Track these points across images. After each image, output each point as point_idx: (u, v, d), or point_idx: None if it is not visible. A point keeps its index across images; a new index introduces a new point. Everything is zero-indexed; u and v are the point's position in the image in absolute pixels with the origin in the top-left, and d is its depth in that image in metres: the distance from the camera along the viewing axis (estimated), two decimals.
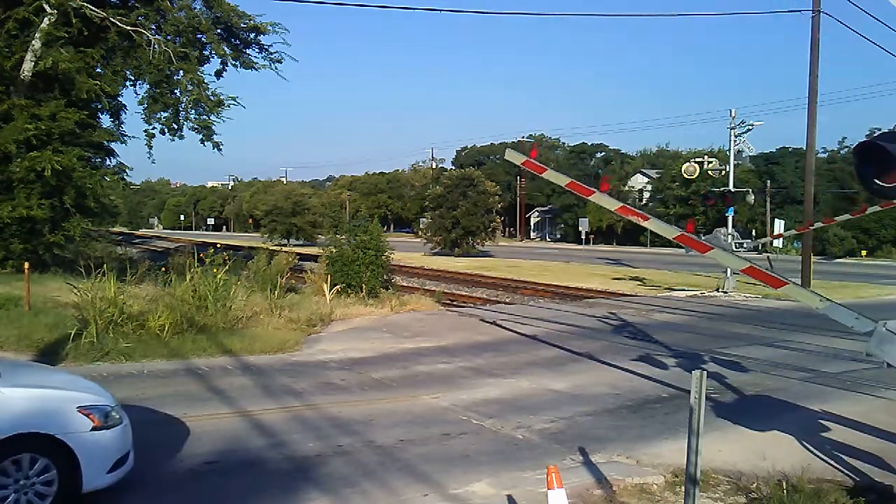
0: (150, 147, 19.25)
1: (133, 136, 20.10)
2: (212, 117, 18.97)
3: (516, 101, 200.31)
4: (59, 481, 4.87)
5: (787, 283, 5.61)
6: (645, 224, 6.46)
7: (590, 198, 6.61)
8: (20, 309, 11.85)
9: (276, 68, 19.73)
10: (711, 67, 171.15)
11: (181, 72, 18.37)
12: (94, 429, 5.00)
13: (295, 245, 50.23)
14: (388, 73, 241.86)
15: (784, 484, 5.65)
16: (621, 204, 6.61)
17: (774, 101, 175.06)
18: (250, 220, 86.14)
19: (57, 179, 16.26)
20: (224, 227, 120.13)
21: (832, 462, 6.55)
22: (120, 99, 20.03)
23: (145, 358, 10.01)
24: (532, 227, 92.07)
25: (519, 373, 10.30)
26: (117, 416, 5.25)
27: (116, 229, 46.92)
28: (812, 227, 22.61)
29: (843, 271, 31.73)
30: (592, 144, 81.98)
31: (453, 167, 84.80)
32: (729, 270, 22.01)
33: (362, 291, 17.66)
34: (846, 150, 65.12)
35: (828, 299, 5.44)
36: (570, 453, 6.72)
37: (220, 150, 19.84)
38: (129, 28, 17.35)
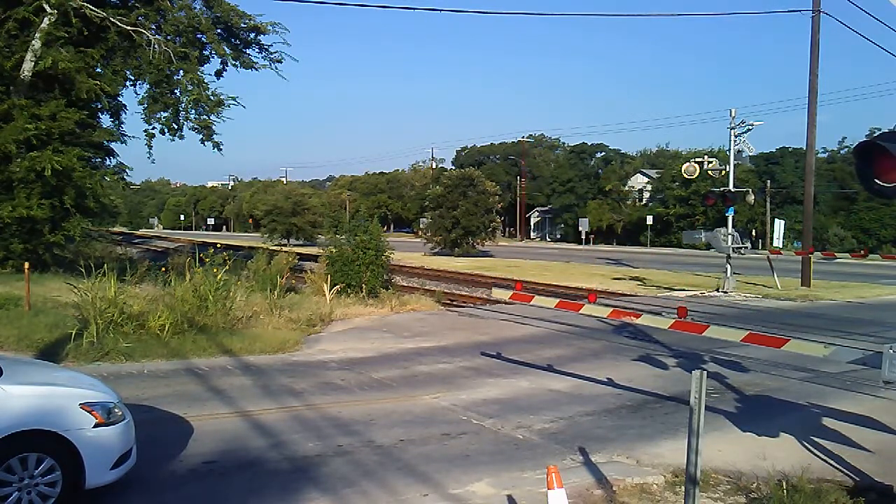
0: (150, 147, 19.29)
1: (133, 136, 20.14)
2: (212, 117, 19.01)
3: (516, 101, 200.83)
4: (63, 481, 4.87)
5: (789, 339, 5.96)
6: (637, 321, 7.11)
7: (580, 311, 7.04)
8: (20, 309, 11.85)
9: (276, 68, 19.78)
10: (711, 67, 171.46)
11: (181, 72, 18.39)
12: (97, 425, 5.01)
13: (295, 245, 50.22)
14: (389, 73, 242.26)
15: (784, 484, 5.65)
16: (612, 309, 7.03)
17: (774, 101, 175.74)
18: (250, 220, 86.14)
19: (57, 179, 16.26)
20: (224, 227, 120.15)
21: (832, 462, 6.55)
22: (120, 99, 20.10)
23: (145, 358, 10.01)
24: (532, 227, 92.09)
25: (519, 373, 10.30)
26: (120, 413, 5.26)
27: (116, 229, 46.99)
28: (811, 254, 22.74)
29: (843, 271, 31.68)
30: (592, 144, 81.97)
31: (453, 167, 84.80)
32: (729, 270, 22.01)
33: (362, 291, 17.66)
34: (846, 150, 65.24)
35: (831, 343, 5.79)
36: (570, 453, 6.72)
37: (220, 150, 19.88)
38: (129, 28, 17.37)
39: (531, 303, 7.31)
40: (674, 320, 6.45)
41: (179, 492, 5.58)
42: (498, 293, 7.58)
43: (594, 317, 15.29)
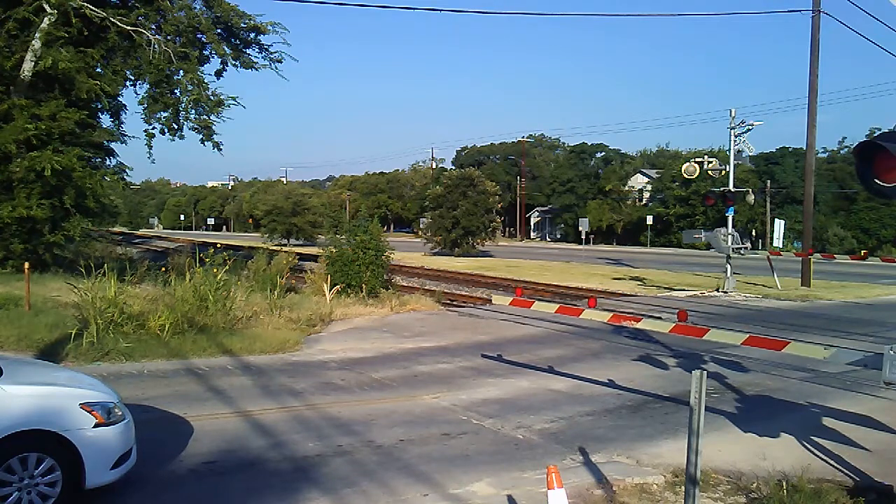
0: (150, 147, 19.29)
1: (133, 136, 20.16)
2: (212, 117, 19.01)
3: (516, 101, 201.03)
4: (63, 481, 4.87)
5: (789, 342, 6.05)
6: (637, 325, 7.24)
7: (580, 315, 7.13)
8: (20, 309, 11.85)
9: (276, 68, 19.78)
10: (711, 67, 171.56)
11: (181, 72, 18.39)
12: (97, 425, 5.01)
13: (295, 245, 50.22)
14: (388, 73, 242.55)
15: (784, 484, 5.65)
16: (612, 313, 7.14)
17: (774, 101, 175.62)
18: (250, 220, 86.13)
19: (57, 179, 16.25)
20: (224, 227, 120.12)
21: (832, 462, 6.55)
22: (120, 99, 20.09)
23: (145, 358, 10.01)
24: (532, 227, 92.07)
25: (519, 373, 10.30)
26: (120, 413, 5.26)
27: (116, 229, 46.98)
28: (811, 255, 22.78)
29: (843, 271, 31.68)
30: (592, 144, 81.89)
31: (453, 167, 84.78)
32: (729, 270, 22.01)
33: (362, 291, 17.65)
34: (846, 150, 65.28)
35: (830, 345, 5.82)
36: (570, 453, 6.73)
37: (220, 150, 19.88)
38: (129, 28, 17.36)
39: (531, 307, 7.33)
40: (674, 324, 6.45)
41: (179, 492, 5.58)
42: (498, 299, 7.61)
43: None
